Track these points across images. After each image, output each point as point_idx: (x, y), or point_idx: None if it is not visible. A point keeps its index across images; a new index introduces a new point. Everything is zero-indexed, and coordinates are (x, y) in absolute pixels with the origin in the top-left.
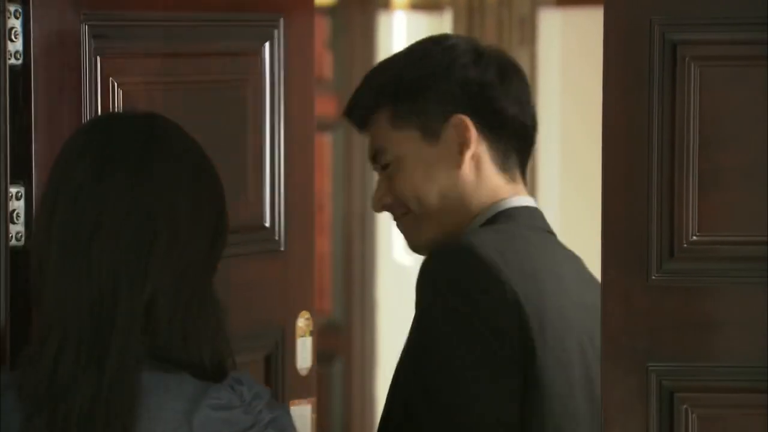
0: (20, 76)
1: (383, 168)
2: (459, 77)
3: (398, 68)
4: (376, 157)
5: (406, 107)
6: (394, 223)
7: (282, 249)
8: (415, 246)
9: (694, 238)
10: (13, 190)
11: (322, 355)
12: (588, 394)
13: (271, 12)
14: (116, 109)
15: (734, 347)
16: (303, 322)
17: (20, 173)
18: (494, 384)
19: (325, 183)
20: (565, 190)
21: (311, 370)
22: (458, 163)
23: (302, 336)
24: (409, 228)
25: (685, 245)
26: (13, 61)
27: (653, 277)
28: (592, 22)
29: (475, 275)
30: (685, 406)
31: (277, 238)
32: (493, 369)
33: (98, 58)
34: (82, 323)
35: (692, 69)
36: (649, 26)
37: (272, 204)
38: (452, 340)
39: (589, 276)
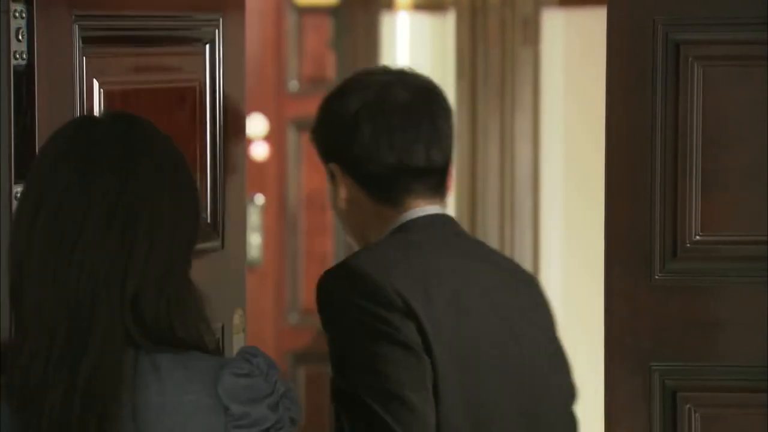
0: (24, 76)
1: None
2: (338, 131)
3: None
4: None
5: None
6: None
7: (222, 247)
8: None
9: (697, 238)
10: (18, 189)
11: (324, 355)
12: (515, 388)
13: (212, 12)
14: (99, 109)
15: (737, 347)
16: (237, 318)
17: (24, 173)
18: (401, 359)
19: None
20: (569, 191)
21: None
22: (341, 201)
23: (237, 333)
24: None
25: (688, 245)
26: (18, 61)
27: (656, 277)
28: (595, 22)
29: (356, 284)
30: (688, 406)
31: (218, 236)
32: (395, 347)
33: (84, 59)
34: (60, 324)
35: (695, 69)
36: (652, 26)
37: (213, 203)
38: (355, 337)
39: (509, 270)
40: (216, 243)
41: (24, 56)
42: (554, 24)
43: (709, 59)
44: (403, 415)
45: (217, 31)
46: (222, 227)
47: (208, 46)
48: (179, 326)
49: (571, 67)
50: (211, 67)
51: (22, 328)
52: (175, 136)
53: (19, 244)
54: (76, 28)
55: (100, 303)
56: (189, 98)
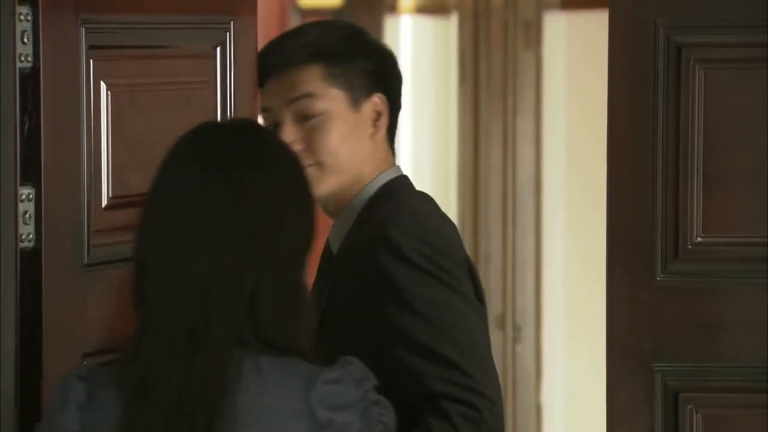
0: (30, 78)
1: (307, 117)
2: (377, 58)
3: (322, 34)
4: (299, 104)
5: (338, 70)
6: None
7: None
8: (317, 191)
9: (699, 239)
10: (24, 191)
11: None
12: None
13: (223, 14)
14: (107, 111)
15: (739, 348)
16: None
17: (30, 175)
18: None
19: None
20: (571, 192)
21: None
22: (370, 134)
23: None
24: (311, 179)
25: (690, 246)
26: (24, 64)
27: (658, 278)
28: (597, 25)
29: (439, 238)
30: (690, 406)
31: None
32: (469, 306)
33: (91, 61)
34: (181, 324)
35: (697, 71)
36: (653, 29)
37: None
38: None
39: None
40: None
41: (29, 59)
42: (556, 27)
43: (710, 62)
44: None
45: (228, 33)
46: None
47: (219, 49)
48: (289, 329)
49: (573, 70)
50: (222, 70)
51: (146, 323)
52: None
53: (145, 244)
54: (82, 30)
55: (220, 303)
56: (199, 100)
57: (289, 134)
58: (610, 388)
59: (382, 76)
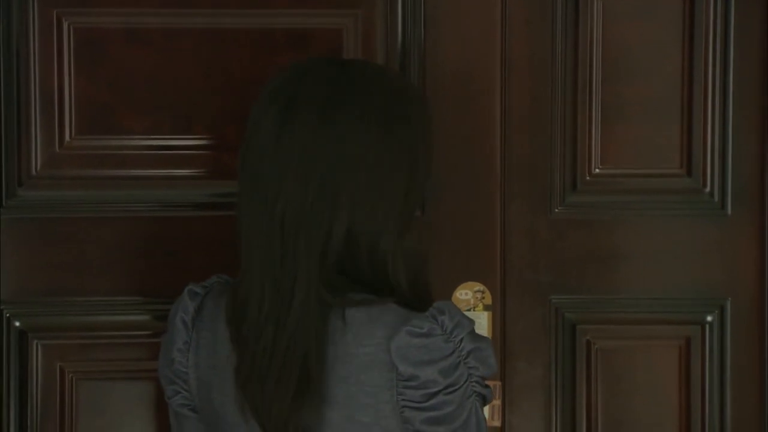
0: None
1: None
2: None
3: None
4: None
5: None
6: None
7: None
8: None
9: (597, 171)
10: None
11: None
12: None
13: None
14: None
15: (636, 280)
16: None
17: None
18: None
19: None
20: None
21: None
22: None
23: None
24: None
25: (588, 178)
26: None
27: (556, 210)
28: None
29: None
30: (587, 338)
31: None
32: None
33: None
34: (268, 276)
35: (595, 2)
36: None
37: None
38: None
39: None
40: None
41: None
42: None
43: None
44: None
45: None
46: None
47: None
48: (389, 264)
49: None
50: None
51: (244, 273)
52: None
53: (238, 193)
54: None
55: (301, 255)
56: None
57: None
58: (508, 321)
59: None
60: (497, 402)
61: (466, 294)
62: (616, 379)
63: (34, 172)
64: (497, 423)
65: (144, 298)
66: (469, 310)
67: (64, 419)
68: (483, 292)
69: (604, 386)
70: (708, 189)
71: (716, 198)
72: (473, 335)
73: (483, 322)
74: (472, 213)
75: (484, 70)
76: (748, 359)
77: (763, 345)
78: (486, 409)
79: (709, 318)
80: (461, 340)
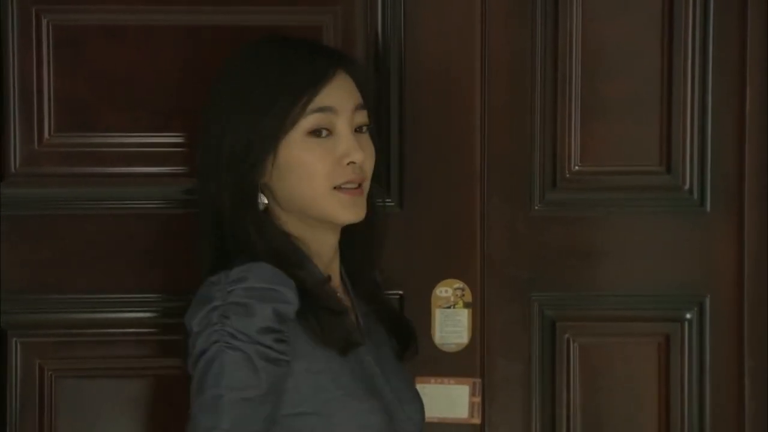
0: None
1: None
2: None
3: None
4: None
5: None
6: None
7: None
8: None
9: (577, 168)
10: None
11: None
12: None
13: None
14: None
15: (616, 277)
16: None
17: None
18: None
19: None
20: None
21: None
22: None
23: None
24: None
25: (568, 175)
26: None
27: (536, 208)
28: None
29: None
30: (566, 335)
31: None
32: None
33: None
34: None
35: None
36: None
37: None
38: None
39: None
40: None
41: None
42: None
43: None
44: None
45: None
46: None
47: None
48: (240, 235)
49: None
50: None
51: None
52: None
53: None
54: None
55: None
56: None
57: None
58: (488, 317)
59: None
60: (477, 399)
61: (446, 291)
62: (596, 376)
63: (13, 169)
64: (477, 420)
65: (123, 296)
66: (449, 307)
67: (43, 417)
68: (463, 290)
69: (583, 383)
70: (687, 186)
71: (695, 195)
72: (250, 291)
73: (463, 319)
74: (452, 210)
75: (464, 66)
76: (726, 356)
77: (742, 342)
78: (466, 406)
79: (688, 315)
80: (229, 292)
